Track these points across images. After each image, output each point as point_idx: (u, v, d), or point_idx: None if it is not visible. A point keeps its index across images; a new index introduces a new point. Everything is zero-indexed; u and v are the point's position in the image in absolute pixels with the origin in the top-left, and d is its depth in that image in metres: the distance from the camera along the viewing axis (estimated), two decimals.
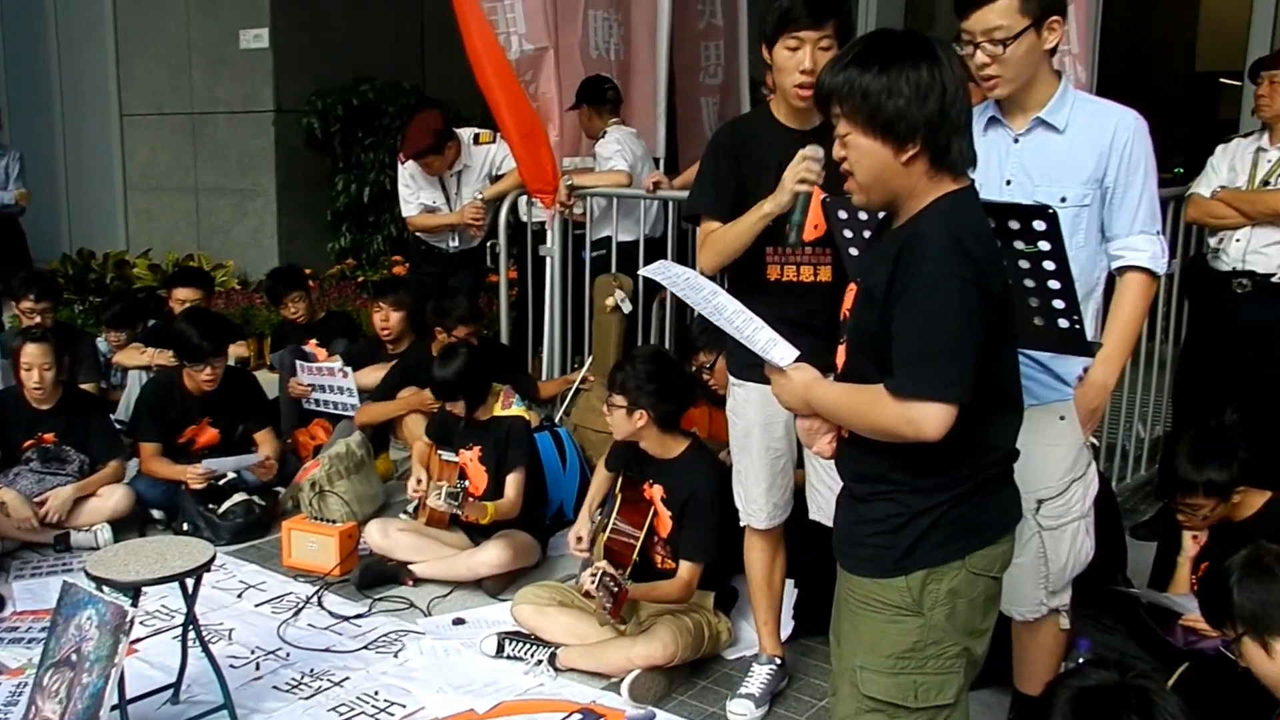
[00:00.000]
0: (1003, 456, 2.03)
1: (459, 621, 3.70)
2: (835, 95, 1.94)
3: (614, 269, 5.05)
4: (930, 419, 1.84)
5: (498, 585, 3.91)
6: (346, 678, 3.32)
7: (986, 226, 1.99)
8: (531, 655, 3.39)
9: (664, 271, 2.18)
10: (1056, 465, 2.62)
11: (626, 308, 4.87)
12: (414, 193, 5.62)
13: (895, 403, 1.87)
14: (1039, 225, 2.12)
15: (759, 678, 3.20)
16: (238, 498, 4.43)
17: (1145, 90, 10.31)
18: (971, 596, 2.02)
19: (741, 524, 3.14)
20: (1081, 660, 2.93)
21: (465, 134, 5.58)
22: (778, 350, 2.05)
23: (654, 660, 3.19)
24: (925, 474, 1.95)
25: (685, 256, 4.90)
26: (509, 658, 3.42)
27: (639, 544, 3.43)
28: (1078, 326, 2.25)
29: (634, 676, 3.19)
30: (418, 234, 5.76)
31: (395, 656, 3.45)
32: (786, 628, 3.42)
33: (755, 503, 3.08)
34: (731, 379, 3.06)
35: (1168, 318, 4.75)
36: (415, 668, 3.39)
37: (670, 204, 5.06)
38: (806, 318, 2.65)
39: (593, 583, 3.17)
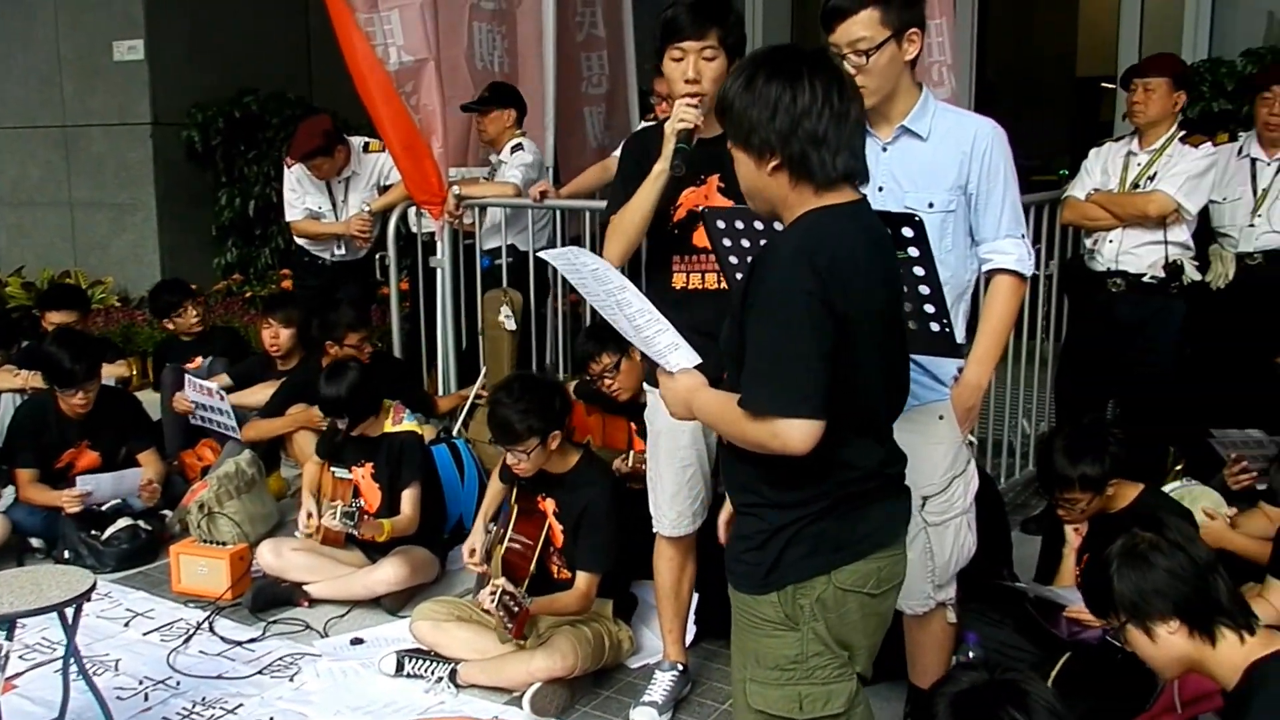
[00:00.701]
0: (865, 474, 2.04)
1: (357, 641, 3.68)
2: (720, 111, 2.05)
3: (506, 280, 5.09)
4: (794, 433, 1.87)
5: (396, 602, 3.90)
6: (240, 704, 3.28)
7: (856, 244, 1.97)
8: (432, 673, 3.39)
9: (569, 259, 2.14)
10: (938, 462, 2.73)
11: (509, 325, 4.89)
12: (299, 197, 5.58)
13: (756, 419, 1.91)
14: (907, 232, 2.22)
15: (662, 685, 3.25)
16: (122, 523, 4.33)
17: (1030, 95, 10.72)
18: (841, 612, 2.04)
19: (654, 530, 3.19)
20: (970, 654, 3.06)
21: (355, 142, 5.57)
22: (678, 354, 2.07)
23: (554, 672, 3.22)
24: (786, 488, 1.99)
25: None
26: (409, 676, 3.41)
27: (535, 555, 3.46)
28: (948, 330, 2.36)
29: (535, 690, 3.21)
30: (300, 243, 5.72)
31: (291, 680, 3.42)
32: (688, 632, 3.48)
33: (660, 508, 3.13)
34: (645, 385, 3.12)
35: (1048, 317, 4.95)
36: (312, 690, 3.36)
37: (559, 214, 5.11)
38: (711, 325, 2.63)
39: (492, 601, 3.19)
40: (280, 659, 3.54)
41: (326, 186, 5.55)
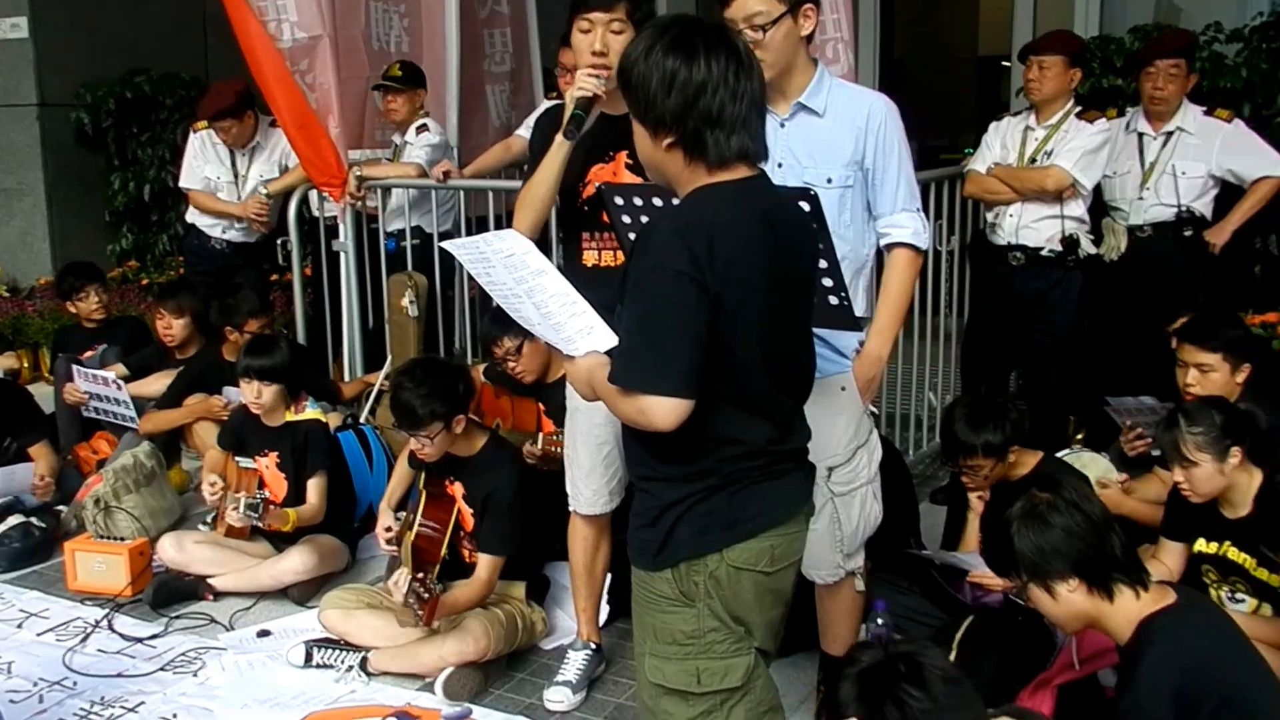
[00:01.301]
0: (751, 451, 2.02)
1: (264, 633, 3.62)
2: (620, 81, 2.03)
3: (411, 263, 5.03)
4: (657, 410, 1.88)
5: (305, 592, 3.84)
6: (141, 702, 3.20)
7: (741, 223, 1.95)
8: (342, 662, 3.36)
9: (477, 249, 2.06)
10: (842, 433, 2.77)
11: (413, 312, 4.84)
12: (200, 164, 5.50)
13: (624, 395, 1.91)
14: (803, 206, 2.24)
15: (575, 664, 3.27)
16: (13, 520, 4.19)
17: (936, 75, 10.90)
18: (735, 589, 2.04)
19: (569, 508, 3.19)
20: (880, 621, 3.13)
21: (265, 118, 5.48)
22: (591, 337, 2.05)
23: (466, 656, 3.21)
24: (671, 463, 2.00)
25: None
26: (318, 666, 3.38)
27: (446, 539, 3.44)
28: (846, 303, 2.40)
29: (448, 674, 3.20)
30: (192, 221, 5.61)
31: (195, 676, 3.35)
32: (603, 612, 3.49)
33: (577, 485, 3.13)
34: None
35: (951, 292, 5.06)
36: (217, 685, 3.30)
37: (463, 195, 5.07)
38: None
39: (403, 592, 3.16)
40: (183, 654, 3.47)
41: (230, 156, 5.46)
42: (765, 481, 2.06)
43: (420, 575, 3.18)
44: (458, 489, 3.44)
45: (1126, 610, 2.20)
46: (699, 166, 1.98)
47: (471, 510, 3.41)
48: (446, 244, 2.20)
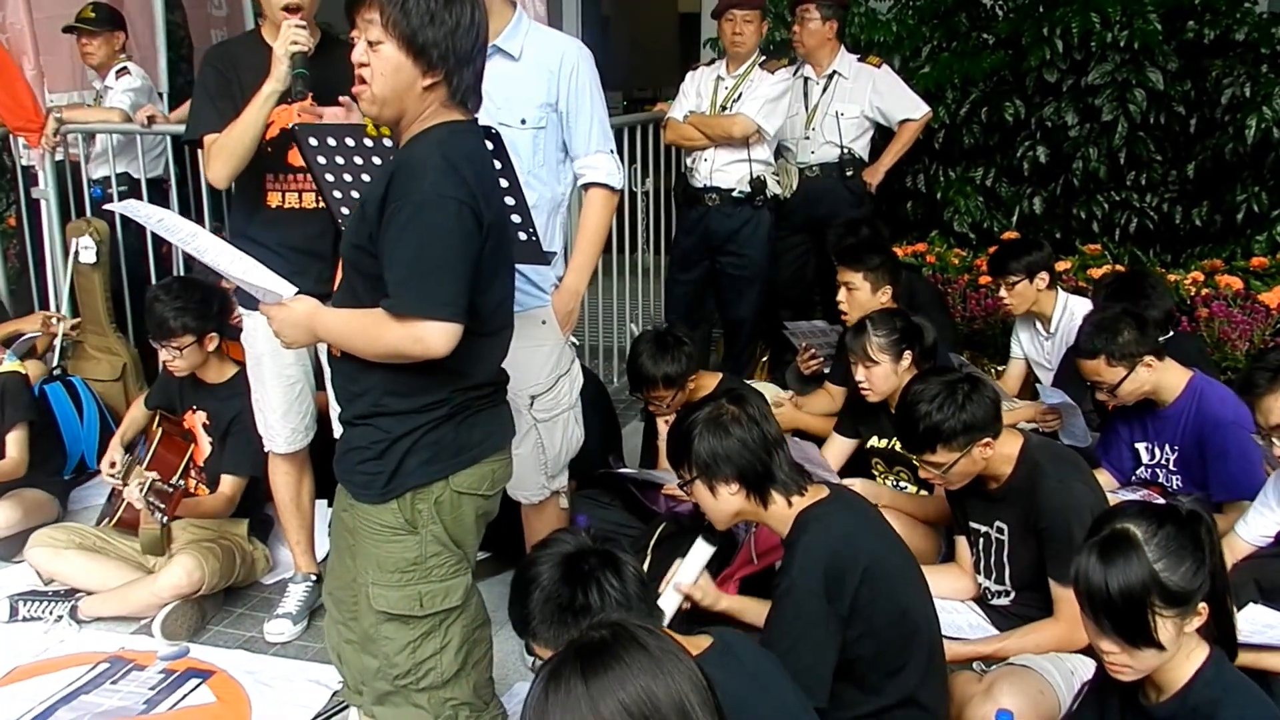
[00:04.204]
0: (479, 384, 2.05)
1: None
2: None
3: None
4: (435, 336, 1.86)
5: (9, 548, 3.54)
6: None
7: (482, 154, 2.00)
8: (50, 612, 3.14)
9: (136, 211, 2.05)
10: (543, 363, 2.79)
11: (88, 257, 4.46)
12: None
13: (400, 322, 1.88)
14: (487, 145, 2.22)
15: (295, 596, 3.19)
16: None
17: (642, 31, 11.02)
18: (458, 514, 2.07)
19: (265, 449, 3.09)
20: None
21: None
22: (278, 285, 2.00)
23: (180, 590, 3.06)
24: (404, 396, 1.97)
25: (187, 194, 4.64)
26: (25, 620, 3.14)
27: (177, 473, 3.28)
28: (534, 238, 2.40)
29: (165, 614, 3.05)
30: None
31: None
32: (324, 546, 3.41)
33: (273, 428, 3.04)
34: (240, 309, 2.98)
35: (649, 230, 5.17)
36: None
37: (170, 140, 4.71)
38: (310, 243, 2.66)
39: (141, 491, 2.95)
40: None
41: None
42: (489, 409, 2.09)
43: (157, 477, 3.01)
44: (199, 417, 3.31)
45: (781, 513, 2.32)
46: (454, 107, 1.97)
47: (211, 439, 3.29)
48: (111, 205, 2.17)
